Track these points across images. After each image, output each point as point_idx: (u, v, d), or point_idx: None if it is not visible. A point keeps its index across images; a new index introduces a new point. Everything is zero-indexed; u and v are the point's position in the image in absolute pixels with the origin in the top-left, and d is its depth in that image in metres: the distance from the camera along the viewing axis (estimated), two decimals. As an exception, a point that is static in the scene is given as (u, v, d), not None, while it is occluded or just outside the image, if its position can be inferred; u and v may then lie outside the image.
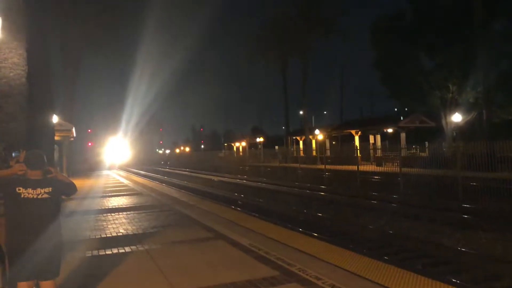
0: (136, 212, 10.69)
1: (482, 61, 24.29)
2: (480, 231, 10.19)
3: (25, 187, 3.55)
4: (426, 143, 25.14)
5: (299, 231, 9.54)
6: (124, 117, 55.51)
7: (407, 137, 32.09)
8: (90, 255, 6.25)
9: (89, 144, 60.98)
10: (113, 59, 38.48)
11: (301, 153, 42.37)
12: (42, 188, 3.59)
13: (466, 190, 15.76)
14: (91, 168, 43.90)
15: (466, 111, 26.55)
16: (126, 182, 22.58)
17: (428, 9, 27.63)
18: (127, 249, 6.49)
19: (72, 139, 25.61)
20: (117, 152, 56.54)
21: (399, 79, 29.53)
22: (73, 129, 22.11)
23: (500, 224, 10.69)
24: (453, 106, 27.04)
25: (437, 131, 30.16)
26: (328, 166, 27.51)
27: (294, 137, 46.82)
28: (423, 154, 23.58)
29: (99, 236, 7.61)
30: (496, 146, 16.20)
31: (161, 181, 29.02)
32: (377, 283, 4.54)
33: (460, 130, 26.84)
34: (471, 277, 7.01)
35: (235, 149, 65.30)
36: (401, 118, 32.08)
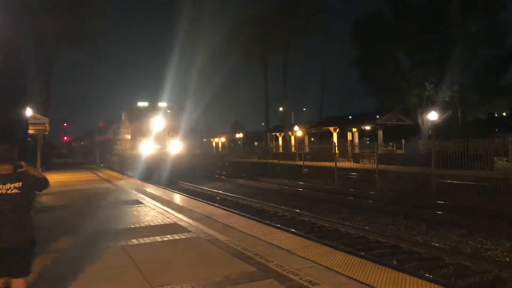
0: (115, 208, 10.52)
1: (458, 61, 24.89)
2: (454, 227, 10.45)
3: (-6, 182, 3.43)
4: (403, 140, 25.58)
5: (277, 227, 9.57)
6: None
7: (384, 135, 32.58)
8: (65, 251, 6.11)
9: (65, 138, 59.71)
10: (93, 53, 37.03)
11: (280, 149, 42.53)
12: (12, 183, 3.48)
13: (440, 187, 16.15)
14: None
15: (442, 109, 27.12)
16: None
17: (406, 9, 28.08)
18: (104, 245, 6.37)
19: (46, 133, 25.02)
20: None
21: (377, 77, 29.92)
22: (47, 123, 21.58)
23: (472, 220, 11.01)
24: (430, 104, 27.58)
25: (414, 129, 30.74)
26: (306, 162, 27.68)
27: (273, 133, 46.92)
28: (399, 151, 23.97)
29: (73, 231, 7.45)
30: (470, 144, 16.61)
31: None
32: (354, 279, 4.58)
33: (436, 128, 27.41)
34: (444, 272, 7.18)
35: (214, 144, 65.04)
36: (378, 116, 32.54)
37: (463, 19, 25.71)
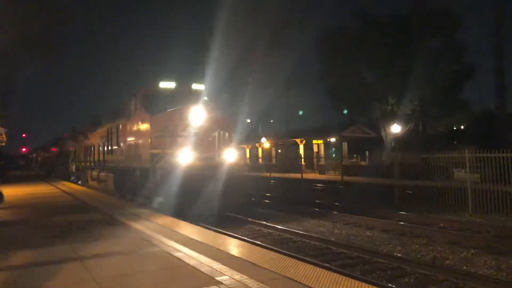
0: (74, 220, 10.17)
1: (418, 76, 25.86)
2: (414, 238, 10.72)
3: None
4: (367, 152, 26.19)
5: (241, 239, 9.50)
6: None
7: (349, 146, 33.26)
8: (22, 269, 5.83)
9: (23, 150, 57.49)
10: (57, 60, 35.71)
11: (247, 161, 42.58)
12: (-41, 196, 3.28)
13: (402, 198, 16.59)
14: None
15: (404, 122, 27.98)
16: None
17: (368, 25, 29.00)
18: (59, 260, 6.11)
19: (3, 144, 24.01)
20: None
21: (342, 91, 30.61)
22: (4, 133, 20.71)
23: (431, 229, 11.35)
24: (392, 117, 28.40)
25: (377, 141, 31.54)
26: (273, 174, 27.85)
27: (241, 145, 46.97)
28: (363, 163, 24.51)
29: (27, 247, 7.12)
30: (431, 157, 17.18)
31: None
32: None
33: (399, 140, 28.21)
34: (405, 281, 7.33)
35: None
36: (343, 127, 33.22)
37: (423, 35, 26.79)
